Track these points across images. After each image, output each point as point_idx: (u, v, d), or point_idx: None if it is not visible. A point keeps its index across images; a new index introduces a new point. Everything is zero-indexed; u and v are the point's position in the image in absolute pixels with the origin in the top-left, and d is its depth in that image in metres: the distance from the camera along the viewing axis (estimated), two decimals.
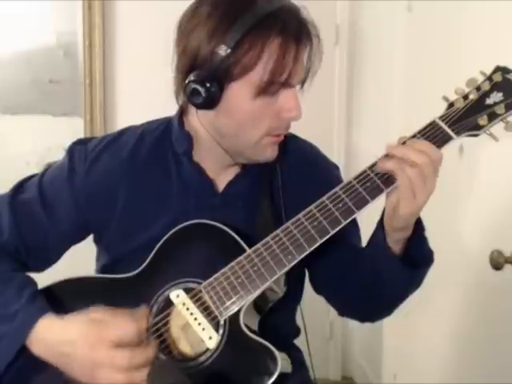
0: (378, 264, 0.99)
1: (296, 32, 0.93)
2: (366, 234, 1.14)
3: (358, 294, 1.06)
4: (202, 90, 0.93)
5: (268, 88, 0.93)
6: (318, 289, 1.16)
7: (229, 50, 0.90)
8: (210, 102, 0.95)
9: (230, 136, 1.00)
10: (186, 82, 0.95)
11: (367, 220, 1.12)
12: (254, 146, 1.00)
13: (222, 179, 1.08)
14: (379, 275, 0.99)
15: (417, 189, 0.88)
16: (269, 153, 1.02)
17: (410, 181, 0.88)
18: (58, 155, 1.14)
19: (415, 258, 0.97)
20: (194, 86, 0.94)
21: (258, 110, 0.95)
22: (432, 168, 0.88)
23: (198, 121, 1.03)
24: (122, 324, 0.89)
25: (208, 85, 0.93)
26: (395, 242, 0.96)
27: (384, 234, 0.97)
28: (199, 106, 0.97)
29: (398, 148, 0.90)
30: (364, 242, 1.12)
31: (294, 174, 1.11)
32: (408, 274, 0.97)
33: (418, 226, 0.97)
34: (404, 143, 0.91)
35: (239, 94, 0.94)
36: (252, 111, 0.95)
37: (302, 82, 1.00)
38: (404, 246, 0.98)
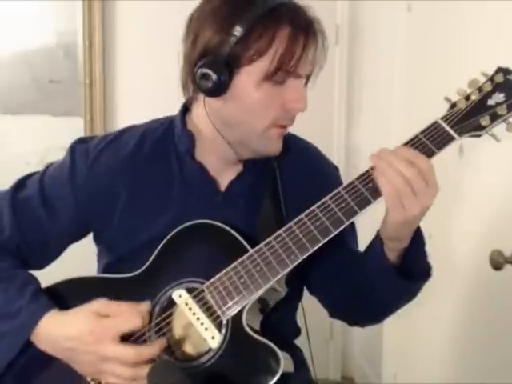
0: (372, 272, 0.99)
1: (305, 25, 0.96)
2: (364, 237, 1.14)
3: (349, 297, 1.06)
4: (212, 73, 0.94)
5: (275, 75, 0.95)
6: (311, 289, 1.16)
7: (242, 33, 0.92)
8: (219, 88, 0.96)
9: (236, 124, 1.00)
10: (196, 67, 0.96)
11: (365, 224, 1.13)
12: (260, 136, 1.00)
13: (224, 178, 1.09)
14: (371, 282, 0.99)
15: (405, 199, 0.86)
16: (273, 146, 1.03)
17: (395, 190, 0.87)
18: (58, 155, 1.14)
19: (411, 270, 0.97)
20: (204, 70, 0.95)
21: (266, 97, 0.96)
22: (421, 179, 0.86)
23: (203, 114, 1.03)
24: (128, 318, 0.91)
25: (218, 69, 0.94)
26: (390, 250, 0.96)
27: (381, 242, 0.96)
28: (208, 92, 0.97)
29: (382, 155, 0.89)
30: (361, 247, 1.13)
31: (295, 173, 1.11)
32: (401, 285, 0.97)
33: (418, 239, 0.96)
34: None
35: (248, 80, 0.95)
36: (259, 98, 0.96)
37: (307, 78, 1.02)
38: (401, 256, 0.97)
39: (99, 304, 0.94)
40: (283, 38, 0.94)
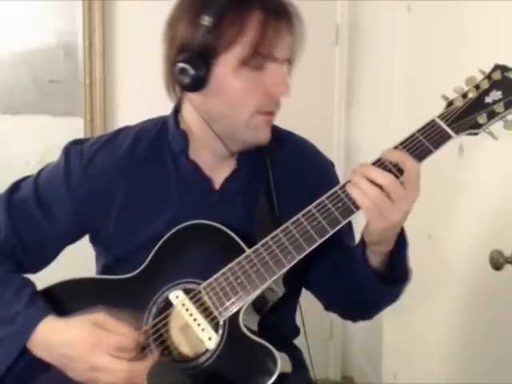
0: (356, 274, 1.00)
1: (275, 8, 0.95)
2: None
3: (345, 293, 1.07)
4: (189, 68, 0.94)
5: (252, 60, 0.94)
6: (309, 286, 1.17)
7: (211, 21, 0.92)
8: (199, 81, 0.95)
9: (221, 117, 1.00)
10: (175, 64, 0.96)
11: (364, 223, 1.13)
12: (246, 125, 0.99)
13: (219, 176, 1.08)
14: (356, 283, 1.01)
15: (383, 210, 0.87)
16: (261, 134, 1.01)
17: (371, 201, 0.87)
18: (58, 155, 1.14)
19: (393, 274, 0.98)
20: (181, 65, 0.95)
21: (246, 84, 0.96)
22: (398, 185, 0.87)
23: (191, 112, 1.04)
24: (123, 332, 0.91)
25: (195, 62, 0.94)
26: (373, 253, 0.97)
27: (364, 246, 0.97)
28: (189, 87, 0.97)
29: (358, 169, 0.90)
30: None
31: (290, 170, 1.11)
32: (382, 288, 0.98)
33: (401, 242, 0.97)
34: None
35: (226, 69, 0.95)
36: (240, 86, 0.96)
37: (289, 62, 1.01)
38: (385, 259, 0.98)
39: (98, 316, 0.94)
40: (255, 22, 0.93)
